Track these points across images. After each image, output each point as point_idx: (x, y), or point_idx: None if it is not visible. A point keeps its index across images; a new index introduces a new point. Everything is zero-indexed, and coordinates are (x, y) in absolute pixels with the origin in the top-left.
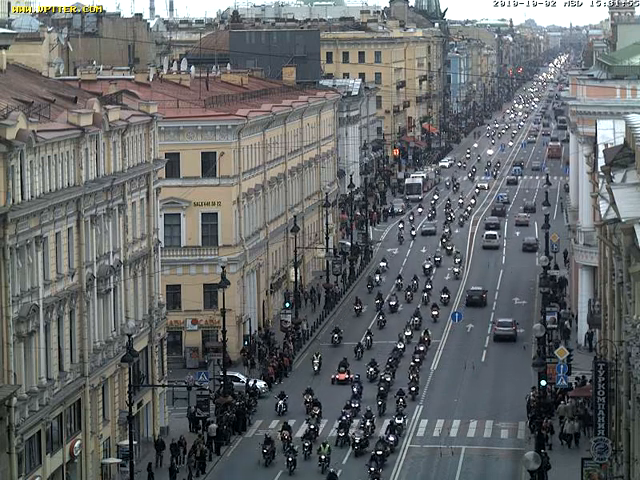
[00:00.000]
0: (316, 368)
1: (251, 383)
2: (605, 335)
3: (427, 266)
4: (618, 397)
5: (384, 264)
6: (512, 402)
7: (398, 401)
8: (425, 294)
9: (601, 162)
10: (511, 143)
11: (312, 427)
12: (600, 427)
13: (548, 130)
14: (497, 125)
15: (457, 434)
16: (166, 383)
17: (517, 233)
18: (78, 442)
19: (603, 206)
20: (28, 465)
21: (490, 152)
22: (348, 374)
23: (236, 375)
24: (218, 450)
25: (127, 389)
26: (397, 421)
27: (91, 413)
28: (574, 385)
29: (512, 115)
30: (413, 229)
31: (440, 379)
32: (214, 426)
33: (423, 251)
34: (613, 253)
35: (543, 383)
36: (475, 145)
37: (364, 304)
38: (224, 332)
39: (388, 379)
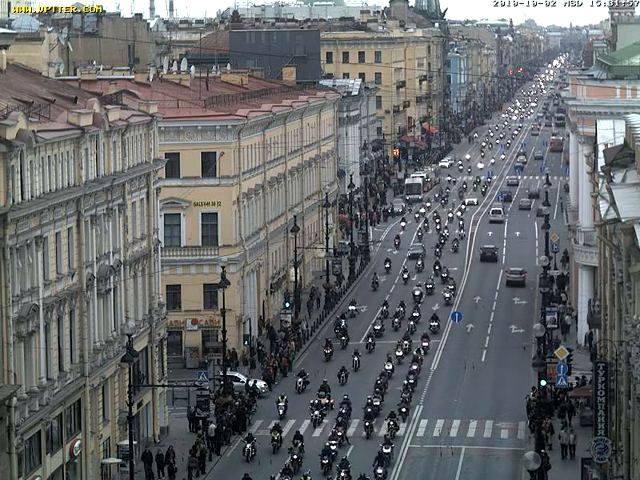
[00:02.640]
0: (281, 412)
1: (251, 383)
2: (605, 335)
3: (417, 293)
4: (618, 397)
5: (353, 308)
6: (512, 402)
7: (389, 424)
8: (412, 322)
9: (601, 162)
10: (503, 156)
11: (295, 457)
12: (600, 427)
13: (549, 122)
14: (491, 133)
15: (457, 434)
16: (166, 383)
17: (517, 233)
18: (78, 442)
19: (603, 206)
20: (28, 465)
21: (480, 166)
22: (329, 399)
23: (236, 375)
24: (218, 450)
25: (127, 389)
26: (385, 450)
27: (91, 413)
28: (574, 385)
29: (506, 122)
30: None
31: (440, 379)
32: (213, 426)
33: (412, 277)
34: (613, 253)
35: (543, 383)
36: (467, 156)
37: (335, 347)
38: (224, 332)
39: (377, 402)
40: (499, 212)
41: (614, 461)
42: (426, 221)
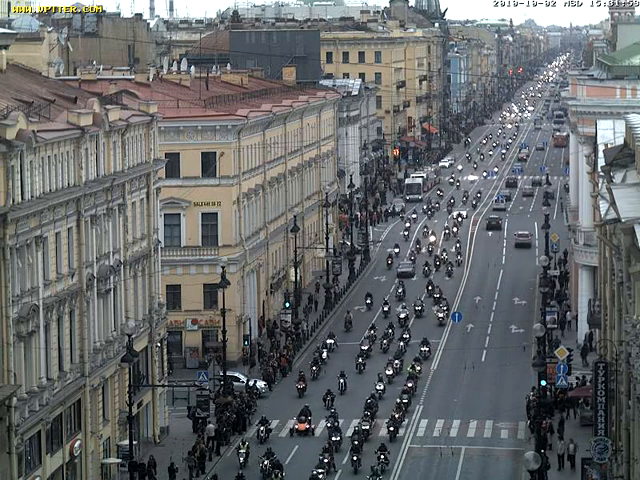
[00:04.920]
0: (241, 460)
1: (251, 383)
2: (605, 335)
3: (402, 316)
4: (618, 397)
5: (332, 341)
6: (512, 402)
7: (379, 457)
8: (402, 343)
9: (601, 162)
10: (496, 169)
11: None
12: (600, 427)
13: (550, 115)
14: (484, 141)
15: (457, 434)
16: (166, 383)
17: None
18: (78, 442)
19: (603, 206)
20: (28, 465)
21: (472, 178)
22: (309, 424)
23: (236, 375)
24: (218, 450)
25: (127, 389)
26: None
27: (91, 413)
28: (574, 385)
29: (500, 130)
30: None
31: (440, 379)
32: (211, 427)
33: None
34: (613, 253)
35: (543, 383)
36: (460, 167)
37: (308, 382)
38: (224, 332)
39: (366, 427)
40: (502, 201)
41: (614, 461)
42: (418, 242)
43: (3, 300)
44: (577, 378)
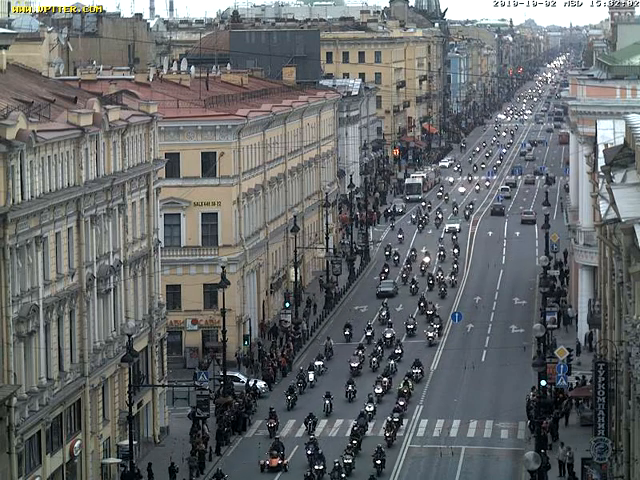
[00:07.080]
0: None
1: (251, 383)
2: (605, 335)
3: (388, 336)
4: (618, 397)
5: (320, 363)
6: (512, 402)
7: None
8: (392, 361)
9: (601, 162)
10: (488, 183)
11: None
12: (600, 427)
13: (551, 111)
14: (477, 149)
15: (457, 434)
16: (166, 383)
17: (517, 233)
18: (78, 442)
19: (603, 206)
20: (28, 465)
21: (462, 189)
22: (282, 459)
23: (236, 375)
24: (218, 450)
25: (127, 389)
26: None
27: (91, 413)
28: (574, 385)
29: (494, 138)
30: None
31: (440, 379)
32: (205, 427)
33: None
34: (613, 253)
35: (543, 383)
36: (451, 179)
37: (283, 413)
38: (224, 332)
39: (349, 460)
40: (506, 190)
41: (614, 461)
42: (408, 262)
43: (3, 300)
44: (577, 378)
